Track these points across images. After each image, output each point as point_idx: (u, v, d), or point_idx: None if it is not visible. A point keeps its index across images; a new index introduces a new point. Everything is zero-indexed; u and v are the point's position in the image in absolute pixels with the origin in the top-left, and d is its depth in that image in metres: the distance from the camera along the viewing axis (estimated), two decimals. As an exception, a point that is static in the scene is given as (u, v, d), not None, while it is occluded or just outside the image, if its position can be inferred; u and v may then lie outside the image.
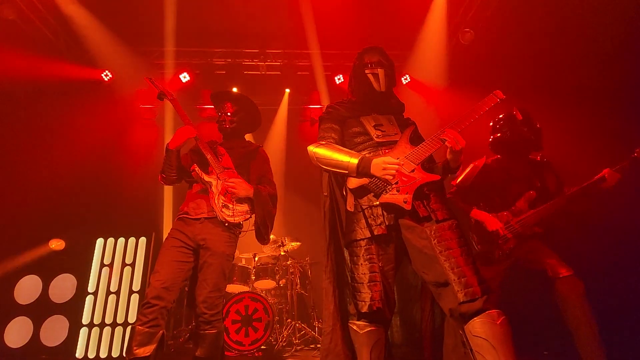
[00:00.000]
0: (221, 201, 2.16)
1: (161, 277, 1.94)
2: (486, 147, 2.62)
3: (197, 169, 2.19)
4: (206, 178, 2.20)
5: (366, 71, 1.87)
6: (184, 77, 4.92)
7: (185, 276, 2.05)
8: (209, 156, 2.22)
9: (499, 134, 2.52)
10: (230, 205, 2.18)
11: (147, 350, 1.82)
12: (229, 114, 2.40)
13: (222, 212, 2.14)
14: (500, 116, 2.55)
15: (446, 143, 1.62)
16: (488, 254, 2.32)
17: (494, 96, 1.72)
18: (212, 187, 2.19)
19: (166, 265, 1.99)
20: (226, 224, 2.15)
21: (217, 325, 2.03)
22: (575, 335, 2.08)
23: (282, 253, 4.29)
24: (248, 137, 2.67)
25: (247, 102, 2.47)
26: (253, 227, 2.25)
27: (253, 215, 2.24)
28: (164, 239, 2.13)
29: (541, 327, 2.93)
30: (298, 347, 3.73)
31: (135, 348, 1.81)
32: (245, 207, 2.23)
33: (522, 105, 2.52)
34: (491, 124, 2.62)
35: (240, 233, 2.27)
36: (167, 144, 2.19)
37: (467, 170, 2.53)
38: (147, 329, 1.84)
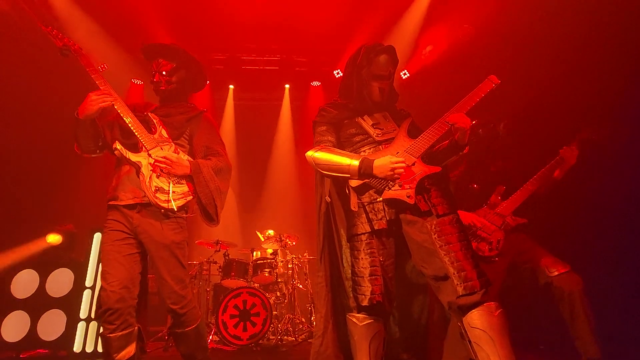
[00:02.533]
0: (154, 185, 1.79)
1: (116, 278, 1.70)
2: None
3: (119, 146, 1.79)
4: (133, 157, 1.80)
5: (374, 83, 1.80)
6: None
7: (140, 267, 1.82)
8: (134, 128, 1.80)
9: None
10: (166, 187, 1.81)
11: (128, 352, 1.70)
12: (163, 72, 1.99)
13: (156, 197, 1.78)
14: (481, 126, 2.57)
15: (454, 125, 1.63)
16: (477, 251, 2.31)
17: (489, 81, 1.73)
18: (142, 168, 1.80)
19: (117, 263, 1.74)
20: (162, 211, 1.81)
21: (192, 318, 1.85)
22: (573, 330, 2.10)
23: (281, 248, 4.30)
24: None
25: (186, 57, 2.06)
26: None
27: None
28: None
29: (537, 321, 2.95)
30: (296, 342, 3.75)
31: (115, 355, 1.67)
32: (184, 187, 1.87)
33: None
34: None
35: (186, 215, 1.92)
36: (76, 111, 1.77)
37: None
38: (120, 333, 1.68)
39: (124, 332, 1.69)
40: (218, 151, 2.04)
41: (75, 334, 3.07)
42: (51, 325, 3.14)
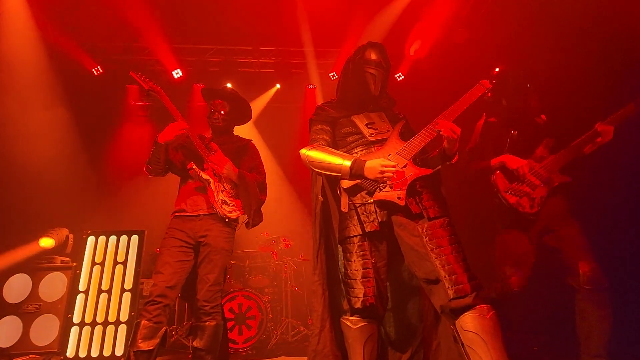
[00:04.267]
0: (220, 198, 2.22)
1: (165, 277, 2.01)
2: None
3: (194, 166, 2.21)
4: (204, 176, 2.22)
5: (366, 69, 1.85)
6: (177, 73, 4.87)
7: (187, 274, 2.11)
8: (201, 150, 2.25)
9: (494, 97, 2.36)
10: (229, 201, 2.24)
11: (151, 344, 1.90)
12: (222, 112, 2.43)
13: (223, 208, 2.20)
14: (496, 72, 2.40)
15: (442, 133, 1.63)
16: (518, 206, 2.13)
17: (481, 85, 1.76)
18: (211, 184, 2.22)
19: (169, 266, 2.04)
20: (227, 220, 2.20)
21: (217, 318, 2.09)
22: (584, 346, 1.97)
23: (276, 251, 4.29)
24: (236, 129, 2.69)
25: (240, 100, 2.50)
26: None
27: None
28: (157, 237, 2.15)
29: (532, 322, 2.96)
30: (292, 345, 3.73)
31: (140, 341, 1.87)
32: (238, 202, 2.28)
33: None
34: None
35: (237, 226, 2.31)
36: (157, 136, 2.19)
37: (474, 132, 2.47)
38: (152, 324, 1.91)
39: (154, 325, 1.92)
40: (260, 171, 2.50)
41: (68, 339, 3.04)
42: (44, 330, 3.11)
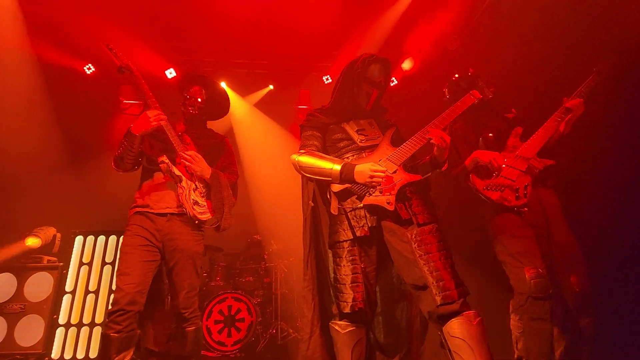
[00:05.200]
0: (192, 197, 2.02)
1: (133, 280, 1.82)
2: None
3: (167, 160, 2.00)
4: (176, 172, 2.01)
5: (363, 86, 1.84)
6: (170, 72, 4.84)
7: (153, 275, 1.95)
8: (176, 144, 2.03)
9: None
10: (201, 201, 2.05)
11: (127, 355, 1.79)
12: (199, 100, 2.24)
13: (194, 209, 2.00)
14: (455, 76, 2.40)
15: (432, 141, 1.65)
16: (503, 200, 2.02)
17: (471, 96, 1.80)
18: (183, 182, 2.02)
19: (135, 266, 1.86)
20: (197, 222, 2.02)
21: (196, 322, 2.02)
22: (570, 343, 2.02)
23: (266, 253, 4.28)
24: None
25: (219, 91, 2.33)
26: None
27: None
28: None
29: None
30: (281, 348, 3.73)
31: (114, 356, 1.74)
32: (209, 202, 2.11)
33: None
34: (446, 90, 2.47)
35: (205, 229, 2.15)
36: (130, 127, 1.97)
37: None
38: (124, 335, 1.77)
39: (127, 334, 1.77)
40: (234, 170, 2.35)
41: (53, 340, 3.00)
42: (29, 330, 3.05)
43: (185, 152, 2.03)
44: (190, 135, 2.21)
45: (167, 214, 2.00)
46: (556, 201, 2.17)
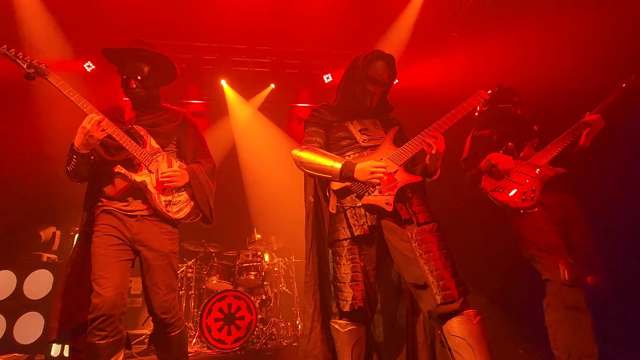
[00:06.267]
0: (163, 199, 1.86)
1: (112, 283, 1.67)
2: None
3: (122, 170, 1.79)
4: (137, 178, 1.82)
5: (366, 84, 1.81)
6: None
7: (129, 274, 1.82)
8: (130, 148, 1.79)
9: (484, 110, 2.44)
10: (174, 199, 1.89)
11: (117, 358, 1.68)
12: (139, 77, 1.87)
13: (169, 210, 1.86)
14: (489, 92, 2.43)
15: (428, 148, 1.64)
16: (510, 202, 2.10)
17: (478, 96, 1.76)
18: (148, 186, 1.83)
19: (111, 268, 1.71)
20: (175, 222, 1.92)
21: (179, 324, 1.87)
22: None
23: (267, 251, 4.28)
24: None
25: (157, 55, 1.94)
26: (193, 216, 1.98)
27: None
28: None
29: (518, 325, 2.99)
30: (281, 346, 3.73)
31: None
32: (184, 195, 1.95)
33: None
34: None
35: (188, 221, 2.00)
36: (73, 143, 1.70)
37: (467, 144, 2.50)
38: (111, 340, 1.64)
39: (114, 338, 1.65)
40: (205, 152, 2.10)
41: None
42: (28, 328, 3.05)
43: (163, 177, 1.85)
44: (143, 124, 1.92)
45: (137, 215, 1.84)
46: (576, 205, 2.22)
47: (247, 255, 4.33)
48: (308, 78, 5.34)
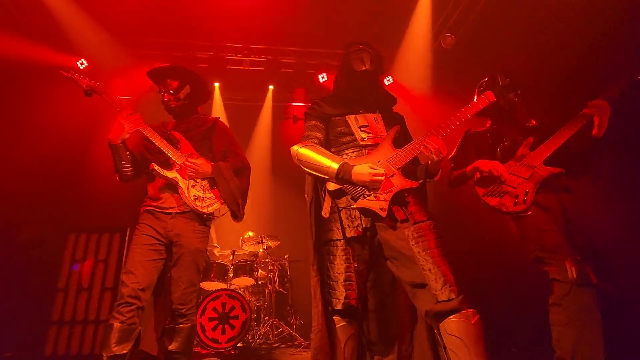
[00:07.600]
0: (192, 194, 2.07)
1: (137, 279, 1.89)
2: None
3: (156, 167, 2.05)
4: (169, 175, 2.06)
5: (352, 55, 1.84)
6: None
7: (159, 274, 2.02)
8: (164, 147, 2.07)
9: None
10: (203, 195, 2.10)
11: (125, 347, 1.82)
12: (171, 91, 2.19)
13: (197, 205, 2.07)
14: (485, 79, 2.41)
15: (427, 153, 1.63)
16: (501, 206, 2.04)
17: (485, 98, 1.74)
18: (179, 182, 2.07)
19: (140, 266, 1.93)
20: (204, 216, 2.10)
21: (192, 319, 2.04)
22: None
23: (261, 250, 4.27)
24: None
25: (189, 74, 2.26)
26: (227, 211, 2.17)
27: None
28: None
29: (509, 322, 3.02)
30: (275, 345, 3.74)
31: (114, 345, 1.79)
32: (215, 191, 2.14)
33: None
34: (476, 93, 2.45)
35: (212, 221, 2.20)
36: (109, 138, 2.01)
37: (459, 140, 2.42)
38: (126, 326, 1.83)
39: (129, 326, 1.84)
40: (235, 151, 2.30)
41: (46, 337, 2.97)
42: (21, 327, 3.02)
43: (187, 161, 2.07)
44: (179, 130, 2.21)
45: (172, 213, 2.07)
46: (578, 205, 2.13)
47: (242, 255, 4.33)
48: (303, 77, 5.33)
